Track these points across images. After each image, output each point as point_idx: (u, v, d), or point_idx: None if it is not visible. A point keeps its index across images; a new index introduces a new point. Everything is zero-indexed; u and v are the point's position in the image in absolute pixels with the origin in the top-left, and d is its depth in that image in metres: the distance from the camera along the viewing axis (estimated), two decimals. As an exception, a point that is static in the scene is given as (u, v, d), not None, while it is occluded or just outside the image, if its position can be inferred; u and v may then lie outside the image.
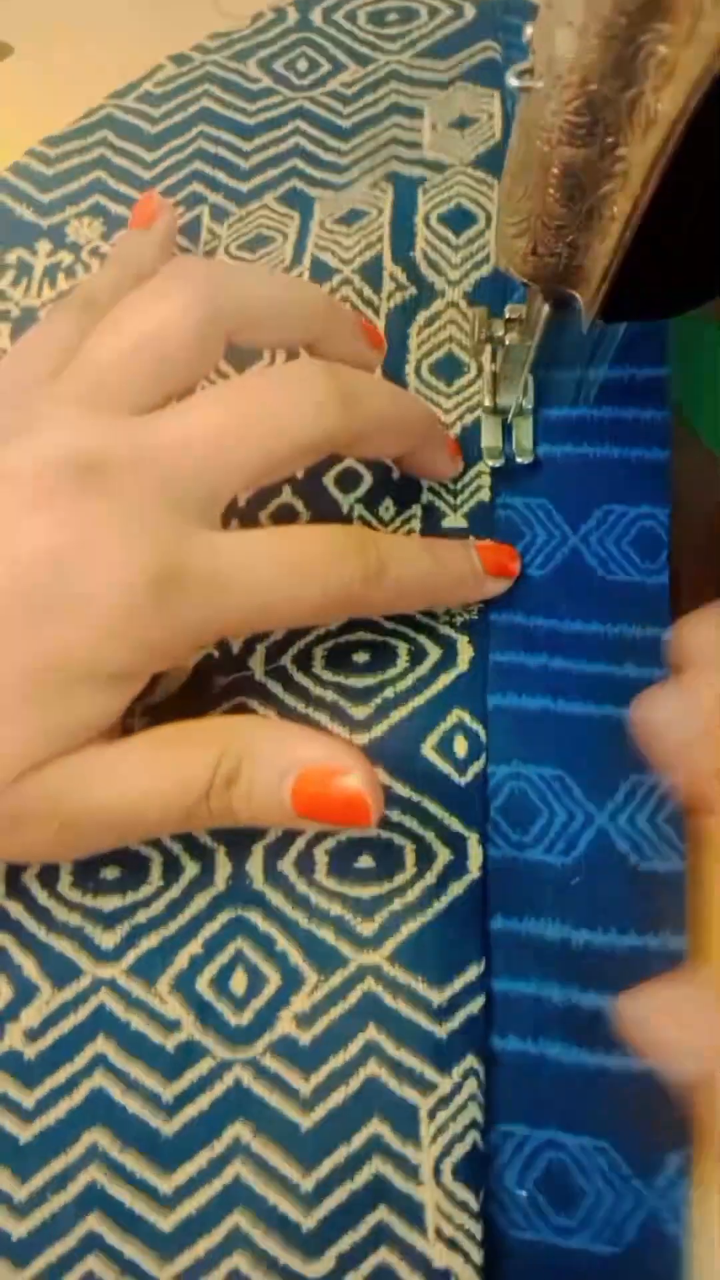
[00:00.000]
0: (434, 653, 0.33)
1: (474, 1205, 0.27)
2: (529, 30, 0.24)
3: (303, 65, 0.46)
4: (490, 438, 0.36)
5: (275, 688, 0.33)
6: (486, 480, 0.36)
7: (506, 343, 0.35)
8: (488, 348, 0.36)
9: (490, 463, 0.35)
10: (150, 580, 0.26)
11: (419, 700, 0.33)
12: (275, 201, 0.43)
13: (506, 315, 0.34)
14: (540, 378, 0.36)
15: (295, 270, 0.41)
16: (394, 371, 0.38)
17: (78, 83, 0.47)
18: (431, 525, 0.35)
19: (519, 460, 0.35)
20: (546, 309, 0.31)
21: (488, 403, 0.36)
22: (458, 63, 0.45)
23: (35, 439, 0.27)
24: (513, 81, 0.24)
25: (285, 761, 0.27)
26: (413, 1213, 0.27)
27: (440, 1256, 0.27)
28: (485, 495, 0.35)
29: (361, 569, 0.29)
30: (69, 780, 0.27)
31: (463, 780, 0.32)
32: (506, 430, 0.36)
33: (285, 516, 0.36)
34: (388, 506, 0.36)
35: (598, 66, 0.22)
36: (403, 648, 0.33)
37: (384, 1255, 0.27)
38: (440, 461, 0.35)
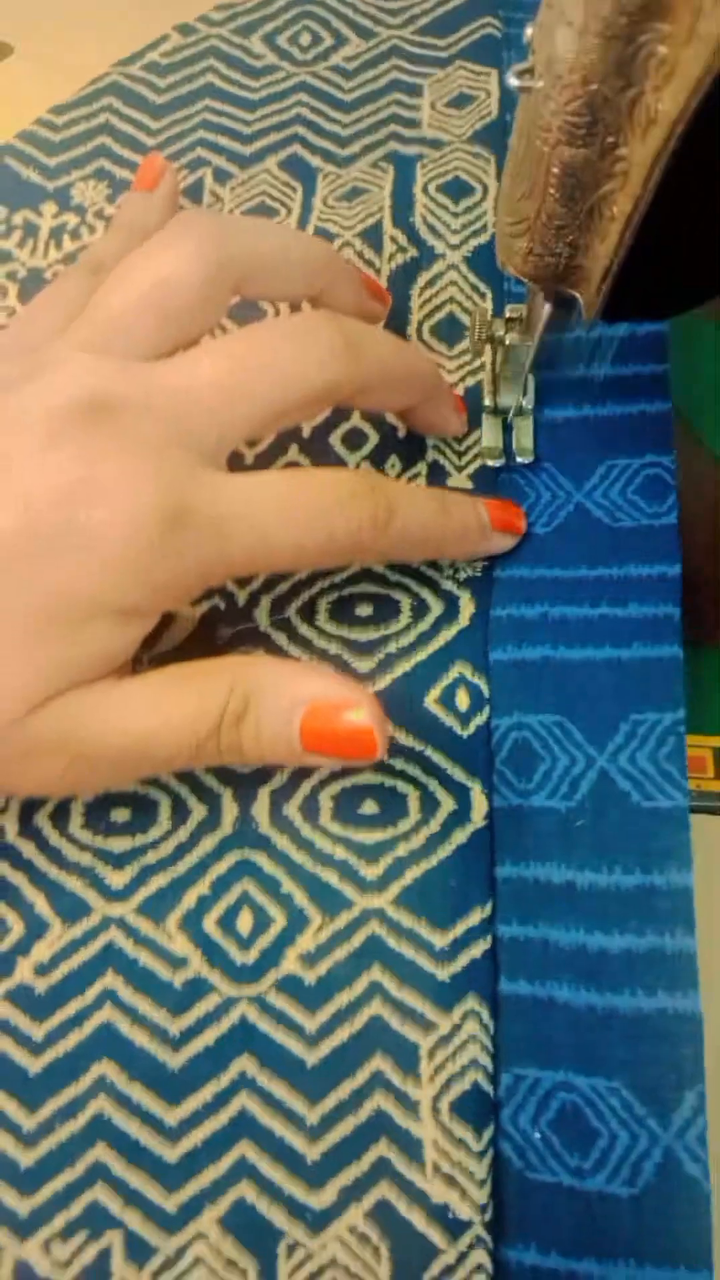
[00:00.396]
0: (436, 607, 0.34)
1: (473, 1143, 0.27)
2: (529, 30, 0.24)
3: (305, 39, 0.46)
4: (491, 438, 0.36)
5: (280, 639, 0.34)
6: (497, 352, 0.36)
7: (507, 342, 0.35)
8: (488, 347, 0.36)
9: (490, 463, 0.36)
10: (159, 518, 0.26)
11: (421, 654, 0.33)
12: (278, 167, 0.43)
13: (506, 315, 0.34)
14: (540, 377, 0.36)
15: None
16: (396, 333, 0.38)
17: (77, 82, 0.47)
18: (436, 482, 0.36)
19: (519, 460, 0.36)
20: (547, 309, 0.30)
21: (488, 403, 0.36)
22: (458, 39, 0.45)
23: (44, 382, 0.27)
24: (513, 81, 0.24)
25: (293, 697, 0.27)
26: (412, 1149, 0.28)
27: (438, 1192, 0.27)
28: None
29: (370, 513, 0.29)
30: (80, 714, 0.27)
31: (465, 732, 0.32)
32: (507, 430, 0.36)
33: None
34: (393, 464, 0.36)
35: (598, 66, 0.22)
36: (405, 602, 0.34)
37: (384, 1190, 0.27)
38: (447, 417, 0.35)
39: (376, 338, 0.31)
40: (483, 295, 0.39)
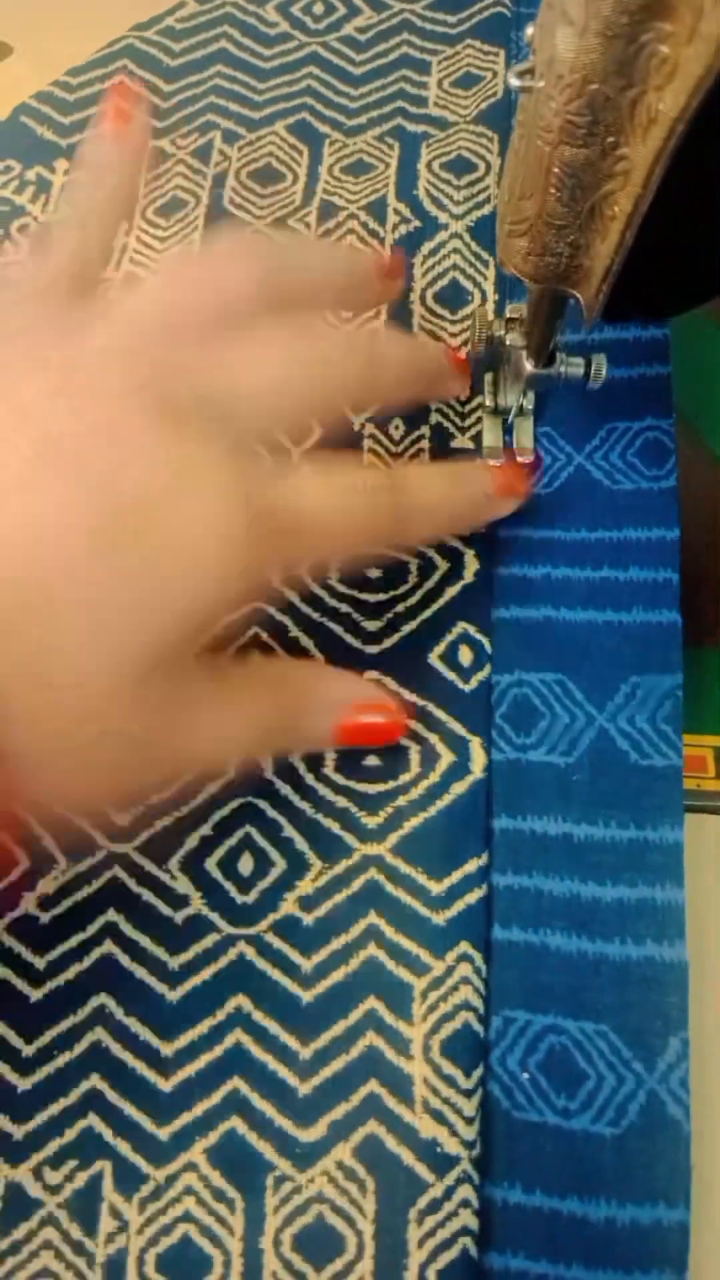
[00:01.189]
0: (441, 566, 0.34)
1: (462, 1081, 0.28)
2: (529, 30, 0.24)
3: (319, 8, 0.47)
4: (491, 438, 0.36)
5: (291, 595, 0.34)
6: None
7: (507, 343, 0.34)
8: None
9: (492, 462, 0.36)
10: (245, 520, 0.26)
11: (426, 612, 0.34)
12: (285, 131, 0.44)
13: (507, 315, 0.34)
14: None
15: (303, 212, 0.42)
16: (400, 300, 0.39)
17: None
18: (440, 444, 0.37)
19: (519, 459, 0.36)
20: (548, 309, 0.31)
21: (489, 403, 0.36)
22: (469, 15, 0.46)
23: (109, 372, 0.27)
24: (513, 81, 0.24)
25: (334, 706, 0.31)
26: (402, 1086, 0.28)
27: (426, 1128, 0.28)
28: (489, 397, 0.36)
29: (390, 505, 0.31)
30: (158, 733, 0.27)
31: (467, 688, 0.33)
32: (508, 430, 0.37)
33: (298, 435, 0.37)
34: (397, 425, 0.37)
35: (599, 66, 0.22)
36: (413, 562, 0.35)
37: (373, 1126, 0.28)
38: (449, 388, 0.36)
39: (393, 357, 0.33)
40: (485, 264, 0.40)
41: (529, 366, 0.33)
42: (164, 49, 0.46)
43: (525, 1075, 0.28)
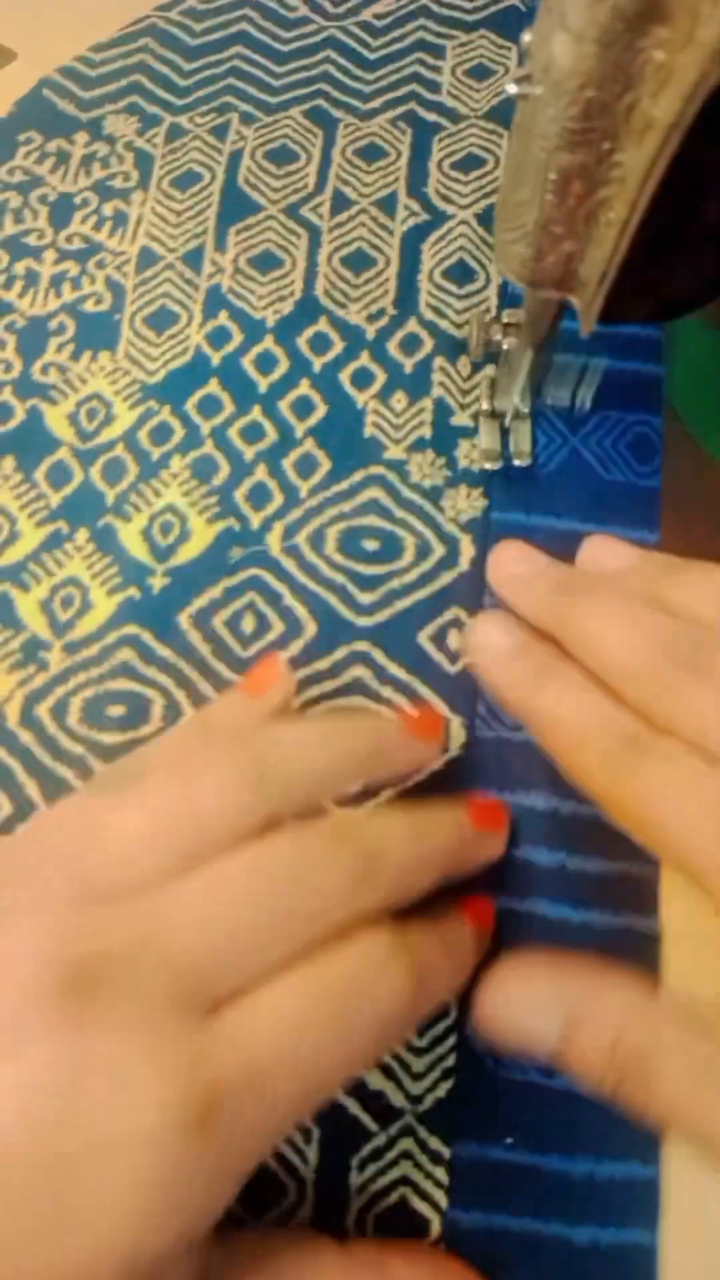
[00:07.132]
0: (438, 549, 0.35)
1: (415, 1040, 0.29)
2: (526, 36, 0.24)
3: None
4: (488, 441, 0.37)
5: (289, 565, 0.35)
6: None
7: (505, 347, 0.35)
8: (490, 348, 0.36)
9: (488, 465, 0.37)
10: (181, 1119, 0.20)
11: (422, 593, 0.35)
12: (301, 115, 0.45)
13: (505, 320, 0.34)
14: (538, 380, 0.36)
15: (316, 199, 0.43)
16: (408, 278, 0.40)
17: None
18: (441, 419, 0.38)
19: (516, 463, 0.37)
20: (545, 313, 0.31)
21: (485, 406, 0.37)
22: (484, 5, 0.47)
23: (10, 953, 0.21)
24: (511, 88, 0.24)
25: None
26: None
27: (374, 1081, 0.29)
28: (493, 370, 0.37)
29: (409, 982, 0.24)
30: None
31: (453, 670, 0.34)
32: (504, 433, 0.37)
33: (302, 410, 0.38)
34: (399, 399, 0.38)
35: (595, 72, 0.22)
36: (410, 541, 0.36)
37: None
38: (487, 853, 0.30)
39: (395, 843, 0.26)
40: (492, 247, 0.40)
41: (526, 378, 0.34)
42: (185, 28, 0.47)
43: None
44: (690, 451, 0.39)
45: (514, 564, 0.30)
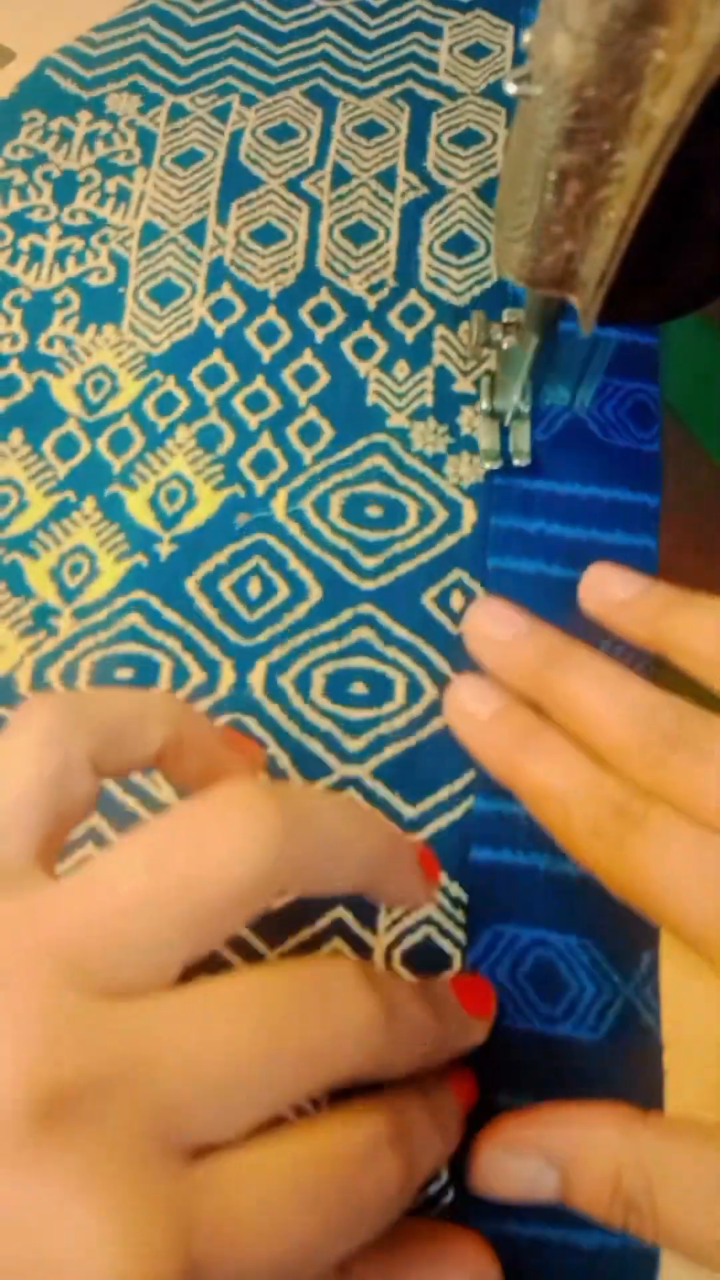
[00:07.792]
0: (440, 514, 0.36)
1: None
2: (526, 36, 0.23)
3: None
4: (488, 440, 0.37)
5: (293, 530, 0.36)
6: (495, 354, 0.38)
7: (504, 347, 0.35)
8: (485, 351, 0.36)
9: (487, 465, 0.37)
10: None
11: (424, 557, 0.35)
12: (300, 94, 0.45)
13: (504, 319, 0.34)
14: (537, 380, 0.36)
15: (316, 174, 0.43)
16: (407, 251, 0.41)
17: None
18: (443, 387, 0.38)
19: (516, 463, 0.37)
20: (544, 313, 0.31)
21: (485, 405, 0.37)
22: None
23: None
24: (510, 88, 0.24)
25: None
26: None
27: None
28: (493, 364, 0.37)
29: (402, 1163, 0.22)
30: None
31: (457, 631, 0.34)
32: (504, 432, 0.37)
33: (305, 379, 0.39)
34: (401, 368, 0.39)
35: (595, 72, 0.22)
36: (412, 507, 0.36)
37: None
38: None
39: (408, 997, 0.23)
40: (492, 220, 0.41)
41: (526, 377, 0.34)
42: (185, 9, 0.48)
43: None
44: (691, 451, 0.39)
45: (492, 627, 0.29)
